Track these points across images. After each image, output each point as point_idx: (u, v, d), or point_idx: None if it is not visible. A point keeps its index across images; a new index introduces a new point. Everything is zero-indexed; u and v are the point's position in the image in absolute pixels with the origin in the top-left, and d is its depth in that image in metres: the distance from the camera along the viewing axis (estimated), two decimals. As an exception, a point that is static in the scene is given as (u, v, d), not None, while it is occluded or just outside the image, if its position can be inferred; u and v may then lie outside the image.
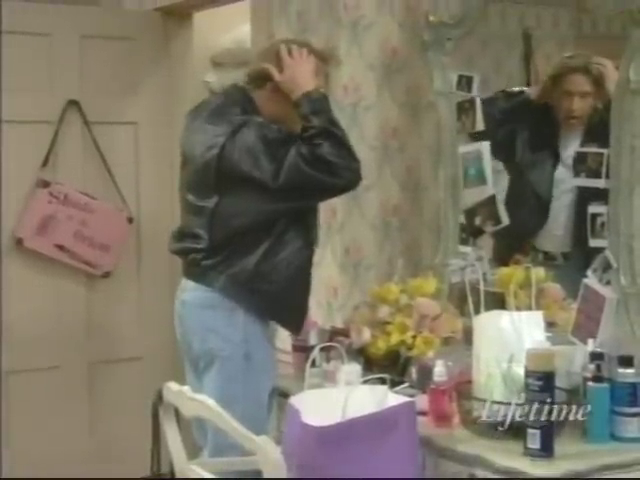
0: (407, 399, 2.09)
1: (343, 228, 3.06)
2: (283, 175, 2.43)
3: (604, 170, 2.52)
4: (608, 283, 2.38)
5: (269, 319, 2.57)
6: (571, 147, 2.80)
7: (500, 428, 2.10)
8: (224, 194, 2.52)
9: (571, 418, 2.09)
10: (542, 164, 2.89)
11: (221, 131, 2.50)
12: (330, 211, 3.07)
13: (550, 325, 2.46)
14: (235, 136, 2.48)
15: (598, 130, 2.66)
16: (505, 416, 2.11)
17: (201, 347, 2.56)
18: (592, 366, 2.13)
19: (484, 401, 2.14)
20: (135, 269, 3.96)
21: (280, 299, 2.54)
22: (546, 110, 2.90)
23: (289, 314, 2.60)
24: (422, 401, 2.26)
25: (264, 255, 2.51)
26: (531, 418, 2.00)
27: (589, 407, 2.11)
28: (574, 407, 2.10)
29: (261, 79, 2.57)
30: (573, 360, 2.25)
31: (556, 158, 2.86)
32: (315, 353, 2.30)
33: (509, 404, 2.10)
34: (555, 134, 2.88)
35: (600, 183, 2.54)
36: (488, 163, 2.89)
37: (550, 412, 1.99)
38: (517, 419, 2.07)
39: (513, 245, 2.96)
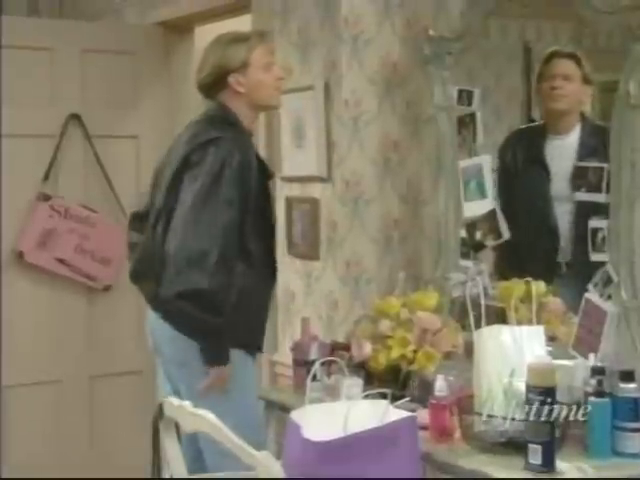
0: (408, 414, 2.08)
1: (344, 242, 3.06)
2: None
3: (604, 185, 2.52)
4: (609, 297, 2.38)
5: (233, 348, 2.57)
6: (559, 159, 2.80)
7: (502, 439, 2.10)
8: (174, 206, 2.52)
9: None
10: (533, 181, 2.90)
11: (191, 141, 2.54)
12: (331, 225, 3.08)
13: (551, 339, 2.46)
14: (202, 147, 2.50)
15: (591, 144, 2.67)
16: (506, 431, 2.11)
17: (170, 351, 2.58)
18: (593, 381, 2.13)
19: (485, 416, 2.14)
20: (136, 283, 3.96)
21: (251, 334, 2.59)
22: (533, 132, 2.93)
23: (250, 337, 2.64)
24: (423, 416, 2.26)
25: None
26: (532, 432, 2.00)
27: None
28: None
29: (219, 80, 2.59)
30: (574, 375, 2.24)
31: (546, 173, 2.86)
32: (316, 367, 2.30)
33: (510, 419, 2.10)
34: (541, 149, 2.89)
35: (600, 198, 2.54)
36: (489, 177, 2.89)
37: (551, 426, 1.99)
38: (518, 434, 2.07)
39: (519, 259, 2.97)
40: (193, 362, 2.51)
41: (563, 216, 2.81)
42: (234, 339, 2.55)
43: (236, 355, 2.55)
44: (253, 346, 2.66)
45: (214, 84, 2.62)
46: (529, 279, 2.55)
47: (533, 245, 2.90)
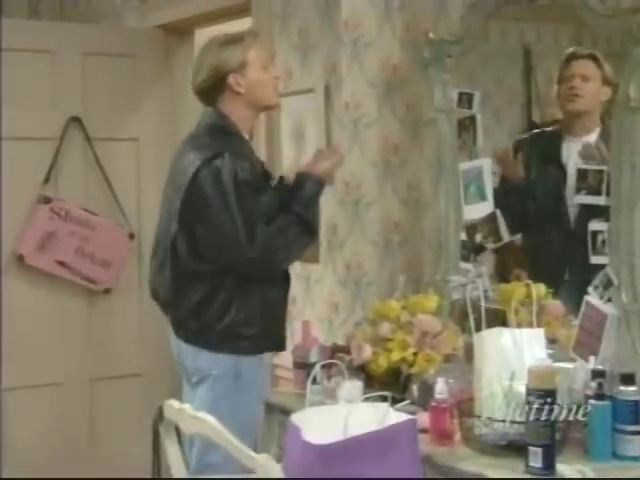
0: (409, 417, 2.08)
1: (344, 244, 3.06)
2: (259, 238, 2.47)
3: (604, 187, 2.52)
4: (609, 300, 2.38)
5: (261, 354, 2.60)
6: (574, 161, 2.79)
7: (502, 442, 2.10)
8: (183, 223, 2.52)
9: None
10: (549, 182, 2.89)
11: (198, 157, 2.51)
12: (331, 227, 3.08)
13: (551, 342, 2.46)
14: (210, 164, 2.48)
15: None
16: (506, 434, 2.11)
17: (192, 365, 2.58)
18: (594, 384, 2.13)
19: (485, 419, 2.14)
20: (136, 285, 3.96)
21: (265, 334, 2.58)
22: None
23: (277, 339, 2.64)
24: (423, 418, 2.26)
25: (242, 300, 2.53)
26: (532, 435, 2.00)
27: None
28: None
29: (217, 82, 2.58)
30: (574, 377, 2.24)
31: (563, 174, 2.84)
32: (316, 370, 2.30)
33: (511, 422, 2.10)
34: (558, 150, 2.87)
35: (601, 200, 2.54)
36: (489, 180, 2.89)
37: (552, 428, 1.99)
38: (519, 437, 2.07)
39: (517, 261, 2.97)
40: (215, 372, 2.54)
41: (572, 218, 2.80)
42: (265, 345, 2.60)
43: (250, 361, 2.57)
44: (282, 347, 2.68)
45: (212, 87, 2.59)
46: (529, 282, 2.56)
47: (548, 245, 2.89)
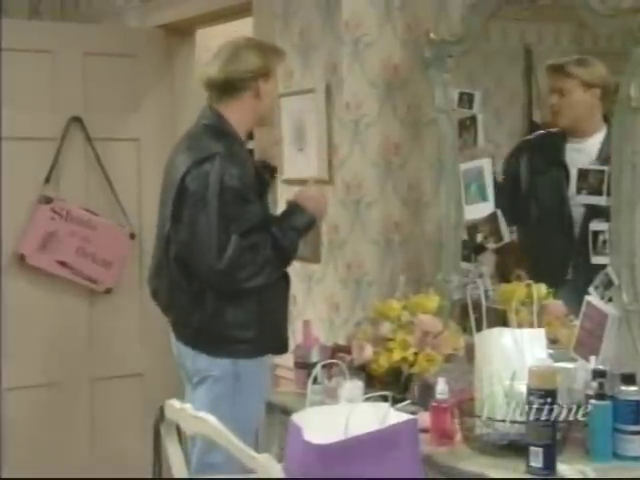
0: (409, 416, 2.08)
1: (345, 244, 3.06)
2: (229, 252, 2.45)
3: (605, 187, 2.52)
4: (610, 300, 2.39)
5: (261, 356, 2.61)
6: (578, 162, 2.78)
7: (503, 442, 2.10)
8: (176, 222, 2.53)
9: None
10: (552, 182, 2.89)
11: (190, 157, 2.53)
12: (332, 227, 3.08)
13: (552, 342, 2.46)
14: (199, 167, 2.49)
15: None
16: (507, 434, 2.11)
17: (192, 366, 2.58)
18: (594, 383, 2.13)
19: (486, 419, 2.14)
20: (137, 285, 3.96)
21: (264, 337, 2.59)
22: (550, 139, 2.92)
23: (278, 342, 2.65)
24: (424, 418, 2.26)
25: (236, 303, 2.54)
26: (533, 435, 2.00)
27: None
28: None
29: (243, 82, 2.59)
30: (575, 377, 2.24)
31: (566, 174, 2.84)
32: (317, 370, 2.30)
33: (511, 422, 2.10)
34: (562, 151, 2.87)
35: (602, 200, 2.54)
36: (490, 180, 2.89)
37: (553, 428, 1.99)
38: (519, 437, 2.07)
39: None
40: (215, 373, 2.55)
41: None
42: (264, 348, 2.60)
43: (250, 363, 2.57)
44: (283, 349, 2.68)
45: (236, 83, 2.60)
46: (530, 282, 2.56)
47: (550, 246, 2.89)
